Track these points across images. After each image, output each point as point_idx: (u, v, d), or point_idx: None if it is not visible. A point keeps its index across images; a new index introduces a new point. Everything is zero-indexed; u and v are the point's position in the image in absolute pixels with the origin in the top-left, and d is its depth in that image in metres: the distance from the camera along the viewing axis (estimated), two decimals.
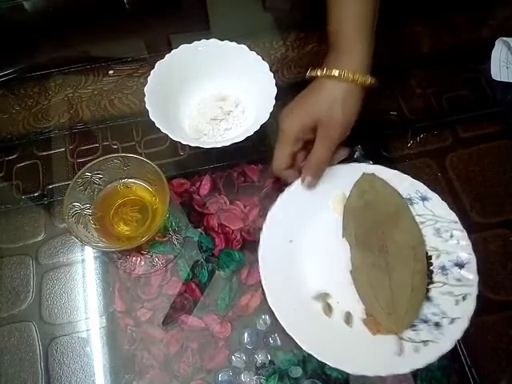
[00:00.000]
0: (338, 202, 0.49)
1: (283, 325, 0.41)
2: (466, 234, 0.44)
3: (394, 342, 0.42)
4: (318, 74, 0.45)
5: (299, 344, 0.41)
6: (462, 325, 0.41)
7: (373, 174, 0.47)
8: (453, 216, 0.45)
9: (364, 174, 0.48)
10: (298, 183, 0.47)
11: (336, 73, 0.44)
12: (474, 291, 0.42)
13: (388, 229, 0.46)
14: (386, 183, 0.47)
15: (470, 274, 0.43)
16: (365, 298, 0.44)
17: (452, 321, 0.41)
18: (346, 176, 0.48)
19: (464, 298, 0.42)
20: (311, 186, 0.47)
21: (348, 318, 0.44)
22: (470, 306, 0.41)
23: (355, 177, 0.48)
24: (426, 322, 0.42)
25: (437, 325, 0.42)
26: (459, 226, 0.45)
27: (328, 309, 0.44)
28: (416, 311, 0.42)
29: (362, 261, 0.45)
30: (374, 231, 0.46)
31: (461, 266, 0.43)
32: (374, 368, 0.40)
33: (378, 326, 0.43)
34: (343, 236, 0.47)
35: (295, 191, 0.47)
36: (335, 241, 0.47)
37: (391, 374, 0.40)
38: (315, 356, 0.40)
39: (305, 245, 0.47)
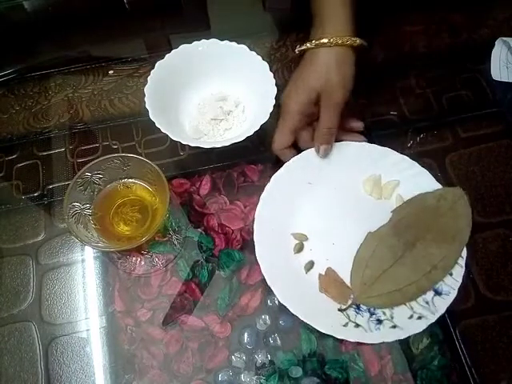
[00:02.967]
0: (369, 184, 0.49)
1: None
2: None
3: (334, 309, 0.44)
4: (308, 45, 0.47)
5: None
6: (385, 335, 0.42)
7: (463, 193, 0.46)
8: None
9: (459, 188, 0.46)
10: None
11: (325, 40, 0.45)
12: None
13: (432, 237, 0.45)
14: (467, 206, 0.46)
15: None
16: (357, 258, 0.45)
17: (392, 326, 0.42)
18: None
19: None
20: (327, 153, 0.49)
21: (309, 266, 0.46)
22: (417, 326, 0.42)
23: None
24: (372, 314, 0.43)
25: (378, 321, 0.43)
26: None
27: (299, 247, 0.47)
28: (383, 304, 0.43)
29: (385, 234, 0.45)
30: (418, 229, 0.45)
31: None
32: (316, 322, 0.42)
33: (328, 286, 0.45)
34: (391, 211, 0.47)
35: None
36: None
37: (330, 333, 0.41)
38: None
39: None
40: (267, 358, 0.44)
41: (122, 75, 0.61)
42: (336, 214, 0.49)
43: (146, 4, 0.66)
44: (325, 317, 0.43)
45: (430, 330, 0.44)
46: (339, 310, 0.44)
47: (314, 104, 0.47)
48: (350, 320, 0.43)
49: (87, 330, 0.46)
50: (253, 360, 0.44)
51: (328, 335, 0.41)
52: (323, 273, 0.46)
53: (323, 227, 0.48)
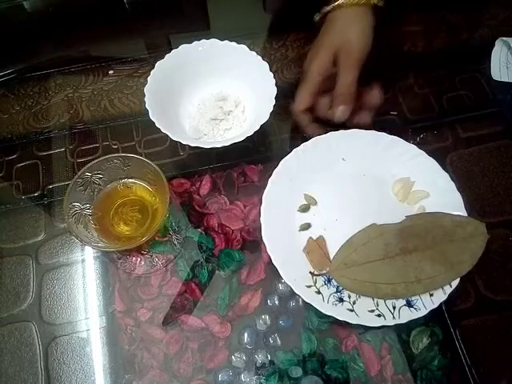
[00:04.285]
0: (399, 185, 0.49)
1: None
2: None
3: (306, 271, 0.45)
4: (326, 8, 0.49)
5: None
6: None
7: (485, 232, 0.44)
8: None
9: (483, 225, 0.44)
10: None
11: (340, 2, 0.47)
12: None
13: (431, 255, 0.44)
14: (482, 246, 0.44)
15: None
16: (350, 240, 0.45)
17: (350, 309, 0.42)
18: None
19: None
20: (344, 116, 0.48)
21: (305, 226, 0.48)
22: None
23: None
24: (338, 291, 0.44)
25: (340, 299, 0.43)
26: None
27: (304, 208, 0.48)
28: (353, 288, 0.43)
29: (387, 231, 0.45)
30: (422, 242, 0.44)
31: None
32: (285, 271, 0.43)
33: (311, 251, 0.46)
34: (406, 216, 0.46)
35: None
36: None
37: (290, 284, 0.43)
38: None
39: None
40: (267, 358, 0.44)
41: (122, 75, 0.61)
42: (353, 197, 0.49)
43: (145, 4, 0.66)
44: (294, 271, 0.44)
45: (430, 330, 0.44)
46: (310, 272, 0.45)
47: (334, 64, 0.47)
48: (314, 285, 0.44)
49: (87, 330, 0.46)
50: (253, 360, 0.44)
51: (328, 335, 0.41)
52: (314, 238, 0.47)
53: (335, 202, 0.49)
